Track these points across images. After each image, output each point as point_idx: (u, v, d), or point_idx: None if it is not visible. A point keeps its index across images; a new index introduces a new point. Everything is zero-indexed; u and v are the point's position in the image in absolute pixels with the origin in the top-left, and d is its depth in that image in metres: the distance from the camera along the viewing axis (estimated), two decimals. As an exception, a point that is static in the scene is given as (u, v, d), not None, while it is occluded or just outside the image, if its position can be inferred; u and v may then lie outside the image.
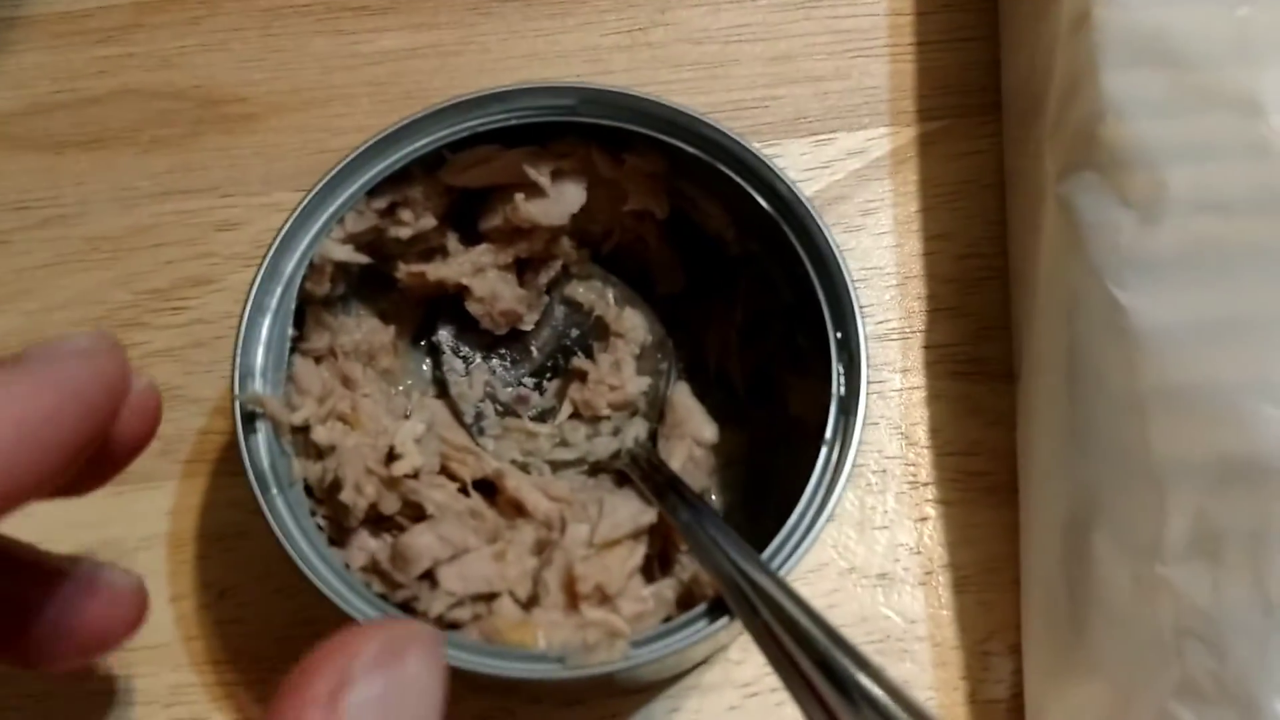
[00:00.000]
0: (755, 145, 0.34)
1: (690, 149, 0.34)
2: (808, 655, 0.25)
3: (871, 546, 0.38)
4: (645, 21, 0.44)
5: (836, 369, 0.32)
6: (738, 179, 0.34)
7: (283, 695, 0.20)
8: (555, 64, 0.44)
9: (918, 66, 0.44)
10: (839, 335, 0.32)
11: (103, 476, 0.28)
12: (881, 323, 0.41)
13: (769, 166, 0.34)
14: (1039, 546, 0.35)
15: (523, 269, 0.38)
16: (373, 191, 0.34)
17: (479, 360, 0.38)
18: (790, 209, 0.34)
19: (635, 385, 0.37)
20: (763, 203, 0.34)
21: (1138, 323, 0.31)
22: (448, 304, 0.38)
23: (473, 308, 0.37)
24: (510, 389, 0.38)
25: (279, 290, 0.32)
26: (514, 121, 0.34)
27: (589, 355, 0.38)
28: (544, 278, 0.38)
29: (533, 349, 0.39)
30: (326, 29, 0.44)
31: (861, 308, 0.33)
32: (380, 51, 0.44)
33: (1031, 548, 0.35)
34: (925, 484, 0.39)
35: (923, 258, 0.41)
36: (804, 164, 0.43)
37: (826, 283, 0.33)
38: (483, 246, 0.37)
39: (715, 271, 0.38)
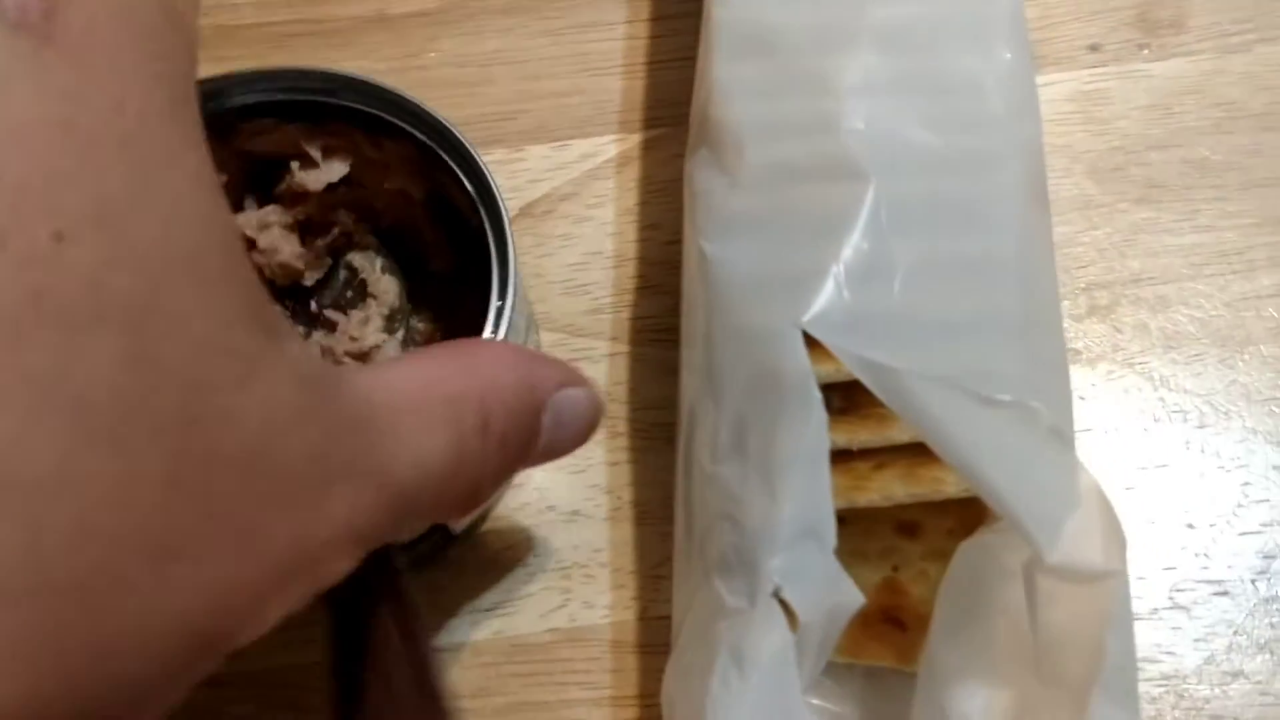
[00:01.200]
0: (459, 130, 0.39)
1: (421, 135, 0.40)
2: None
3: (570, 488, 0.44)
4: (416, 49, 0.51)
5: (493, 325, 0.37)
6: (448, 160, 0.40)
7: (530, 362, 0.29)
8: (336, 87, 0.50)
9: (646, 83, 0.50)
10: (499, 304, 0.38)
11: None
12: (597, 299, 0.46)
13: (470, 150, 0.39)
14: (677, 478, 0.40)
15: (308, 233, 0.44)
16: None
17: None
18: (486, 193, 0.39)
19: (372, 340, 0.43)
20: (467, 185, 0.40)
21: (714, 270, 0.36)
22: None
23: (255, 259, 0.43)
24: None
25: None
26: (281, 97, 0.41)
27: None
28: (322, 241, 0.44)
29: (312, 305, 0.45)
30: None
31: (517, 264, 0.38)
32: (186, 80, 0.51)
33: (676, 478, 0.40)
34: (621, 434, 0.44)
35: (637, 244, 0.47)
36: (543, 165, 0.49)
37: (500, 247, 0.39)
38: (270, 206, 0.43)
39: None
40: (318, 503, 0.23)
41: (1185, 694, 0.39)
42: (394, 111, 0.40)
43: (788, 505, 0.32)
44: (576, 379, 0.31)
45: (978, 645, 0.36)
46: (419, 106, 0.40)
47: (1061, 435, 0.31)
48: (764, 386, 0.33)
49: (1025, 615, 0.33)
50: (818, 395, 0.32)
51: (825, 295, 0.34)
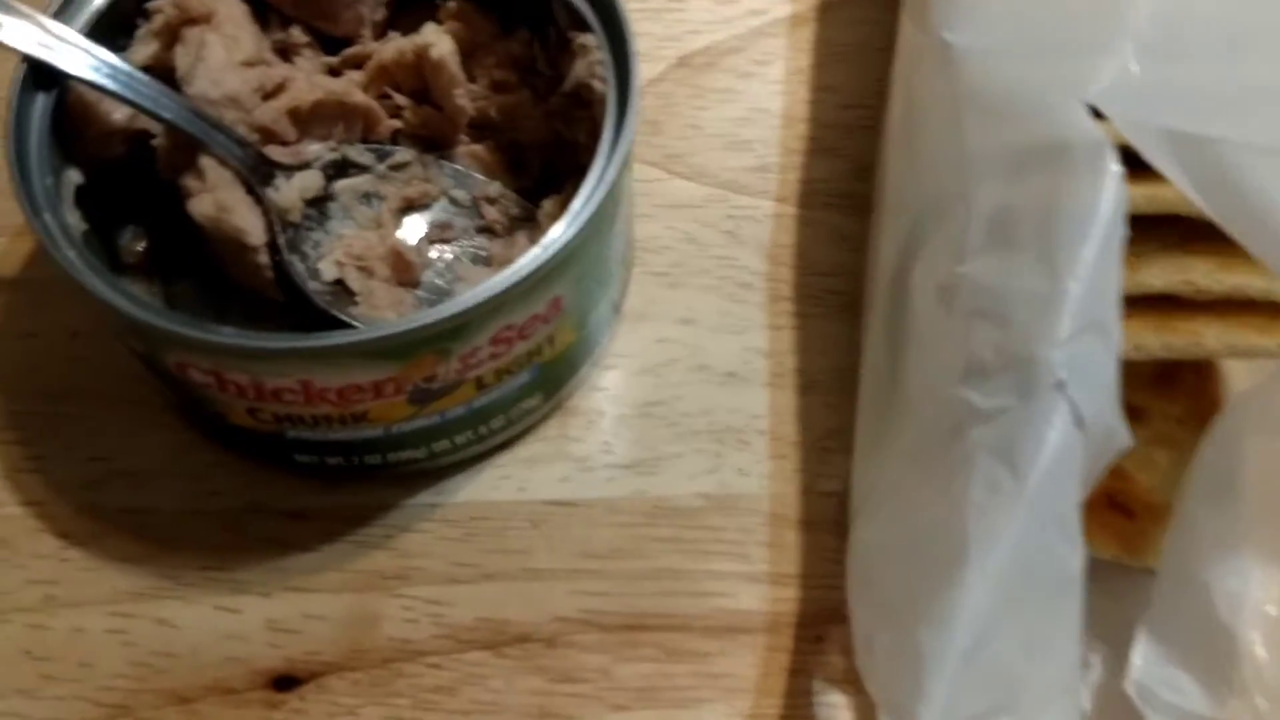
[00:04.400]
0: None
1: None
2: None
3: (725, 348, 0.38)
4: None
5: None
6: None
7: None
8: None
9: (826, -57, 0.46)
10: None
11: None
12: (762, 157, 0.41)
13: None
14: (872, 329, 0.35)
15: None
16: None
17: None
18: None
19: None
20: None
21: (959, 54, 0.31)
22: None
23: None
24: None
25: None
26: None
27: None
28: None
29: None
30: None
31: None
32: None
33: (868, 336, 0.35)
34: (785, 299, 0.39)
35: (808, 104, 0.42)
36: (704, 18, 0.44)
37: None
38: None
39: None
40: None
41: None
42: None
43: (1073, 287, 0.26)
44: None
45: (1241, 513, 0.30)
46: None
47: None
48: (1040, 167, 0.28)
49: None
50: (1115, 168, 0.27)
51: (1112, 68, 0.29)
